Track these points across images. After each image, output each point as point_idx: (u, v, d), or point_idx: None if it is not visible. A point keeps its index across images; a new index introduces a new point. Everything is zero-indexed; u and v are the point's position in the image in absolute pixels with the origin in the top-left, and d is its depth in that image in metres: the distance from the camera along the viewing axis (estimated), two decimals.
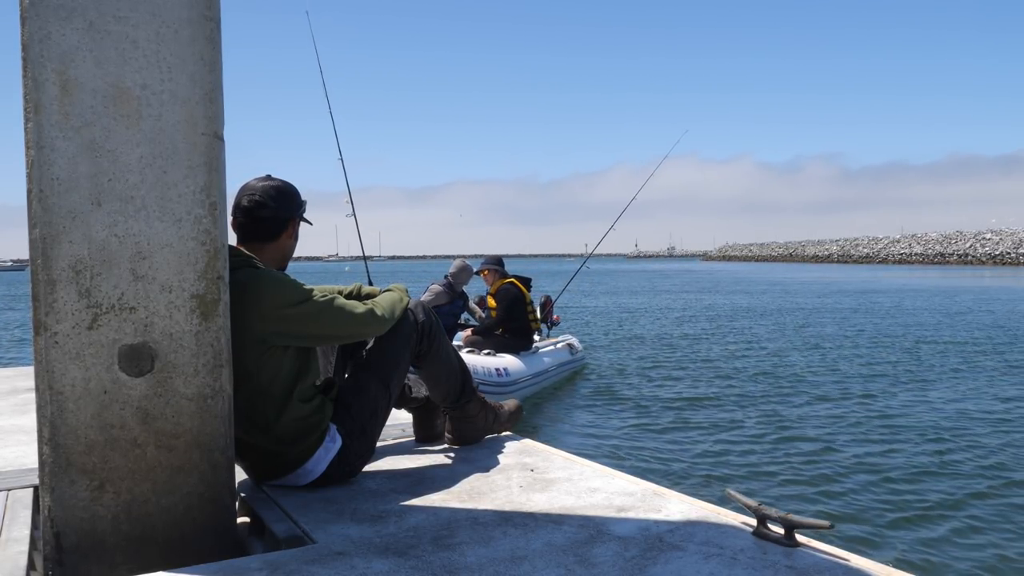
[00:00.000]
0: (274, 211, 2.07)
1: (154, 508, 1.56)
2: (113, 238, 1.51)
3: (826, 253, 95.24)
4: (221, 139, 1.61)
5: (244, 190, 2.09)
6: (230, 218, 2.05)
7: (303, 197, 2.19)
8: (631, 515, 1.78)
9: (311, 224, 2.26)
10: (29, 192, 1.46)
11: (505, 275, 8.17)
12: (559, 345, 9.21)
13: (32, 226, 1.46)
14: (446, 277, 8.35)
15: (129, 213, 1.52)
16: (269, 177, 2.12)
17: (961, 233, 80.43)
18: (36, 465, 1.80)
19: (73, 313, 1.49)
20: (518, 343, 8.05)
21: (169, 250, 1.55)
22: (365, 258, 9.24)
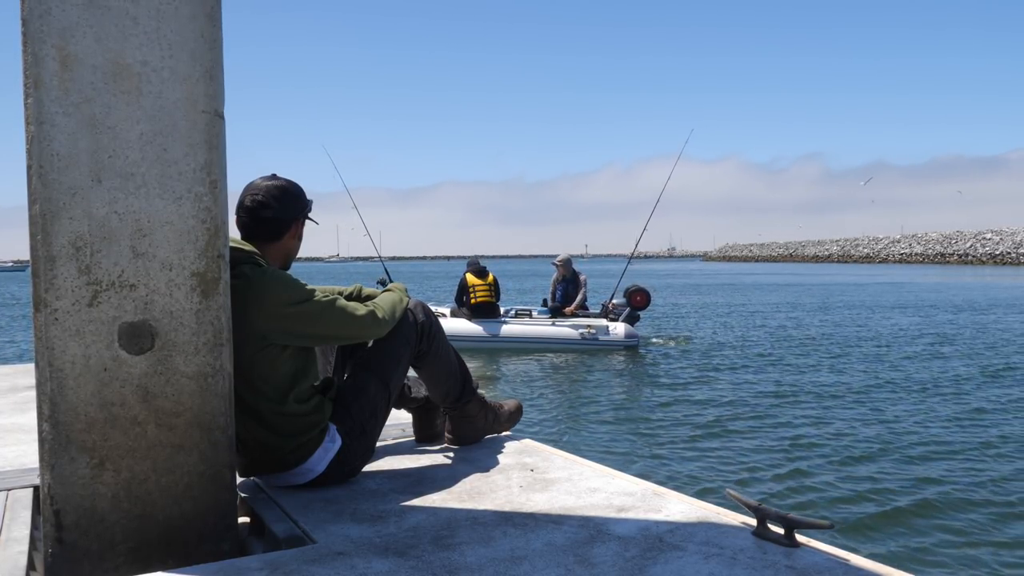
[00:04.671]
0: (277, 211, 2.05)
1: (154, 486, 1.55)
2: (113, 215, 1.50)
3: (826, 253, 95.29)
4: (221, 117, 1.61)
5: (248, 189, 2.07)
6: (233, 216, 2.04)
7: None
8: (631, 515, 1.78)
9: (317, 224, 2.25)
10: (29, 168, 1.45)
11: (473, 271, 11.57)
12: (566, 326, 11.32)
13: (32, 202, 1.46)
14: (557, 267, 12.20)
15: (129, 190, 1.51)
16: (274, 176, 2.10)
17: (961, 233, 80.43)
18: (36, 465, 1.80)
19: (73, 290, 1.48)
20: (476, 314, 11.41)
21: (169, 228, 1.55)
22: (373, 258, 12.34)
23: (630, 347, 11.32)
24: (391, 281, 11.08)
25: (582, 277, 12.07)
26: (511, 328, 11.43)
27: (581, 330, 11.24)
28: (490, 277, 11.63)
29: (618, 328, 11.27)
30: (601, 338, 11.21)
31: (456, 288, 11.86)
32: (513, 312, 12.00)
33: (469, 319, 11.44)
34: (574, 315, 11.76)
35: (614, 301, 11.83)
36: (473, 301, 11.42)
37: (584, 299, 11.99)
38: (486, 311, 11.47)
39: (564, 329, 11.35)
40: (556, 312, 11.82)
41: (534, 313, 11.99)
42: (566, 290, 11.95)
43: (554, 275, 12.17)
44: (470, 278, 11.53)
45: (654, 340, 13.09)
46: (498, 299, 11.69)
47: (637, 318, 11.66)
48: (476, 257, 11.87)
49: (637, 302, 11.45)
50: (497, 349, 11.39)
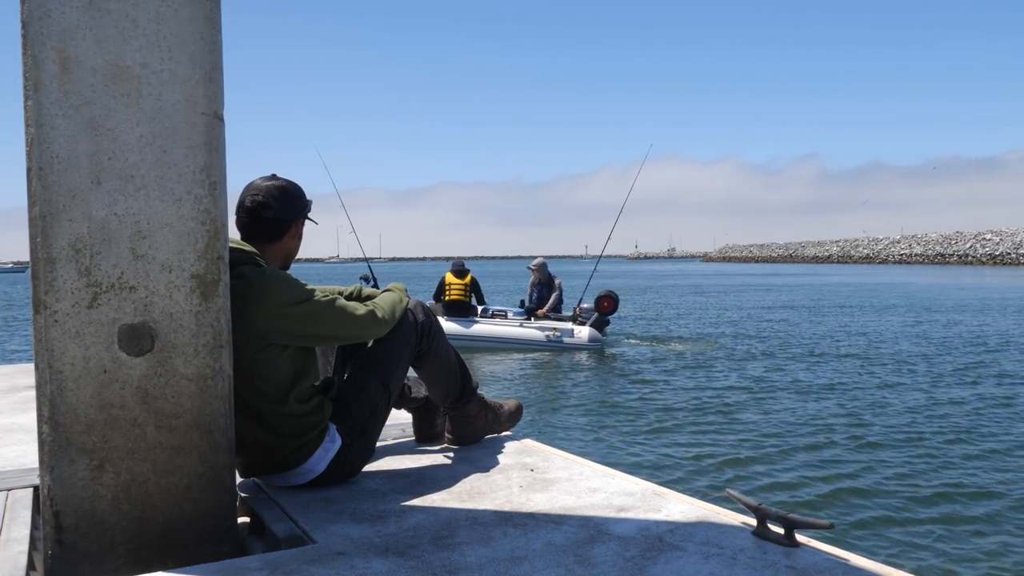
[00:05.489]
0: (277, 212, 2.05)
1: (154, 488, 1.56)
2: (113, 217, 1.50)
3: (826, 254, 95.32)
4: (221, 119, 1.61)
5: (248, 189, 2.07)
6: (233, 217, 2.04)
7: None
8: (631, 515, 1.78)
9: (316, 224, 2.25)
10: (29, 170, 1.45)
11: (453, 270, 12.29)
12: (533, 327, 11.97)
13: (32, 204, 1.46)
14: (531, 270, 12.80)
15: (129, 192, 1.51)
16: (274, 177, 2.10)
17: (961, 233, 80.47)
18: (36, 465, 1.79)
19: (73, 292, 1.48)
20: (449, 311, 12.08)
21: (169, 230, 1.55)
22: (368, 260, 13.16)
23: (594, 350, 11.73)
24: (374, 279, 11.88)
25: (557, 281, 12.76)
26: (481, 327, 12.07)
27: (547, 332, 11.83)
28: (468, 278, 12.27)
29: (582, 332, 11.74)
30: (566, 340, 11.76)
31: (436, 285, 12.70)
32: (490, 312, 12.55)
33: (442, 316, 11.97)
34: (546, 317, 12.31)
35: (583, 305, 12.29)
36: (447, 298, 12.12)
37: (557, 302, 12.55)
38: (458, 309, 12.14)
39: (531, 330, 11.96)
40: (530, 313, 12.48)
41: (509, 314, 12.60)
42: (541, 293, 12.61)
43: (531, 278, 12.83)
44: (448, 276, 12.31)
45: (632, 341, 13.27)
46: (475, 300, 12.36)
47: (606, 322, 12.13)
48: (461, 259, 12.64)
49: (604, 308, 11.83)
50: (467, 347, 11.78)
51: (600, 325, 11.88)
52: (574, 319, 12.06)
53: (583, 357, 11.34)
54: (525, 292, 13.15)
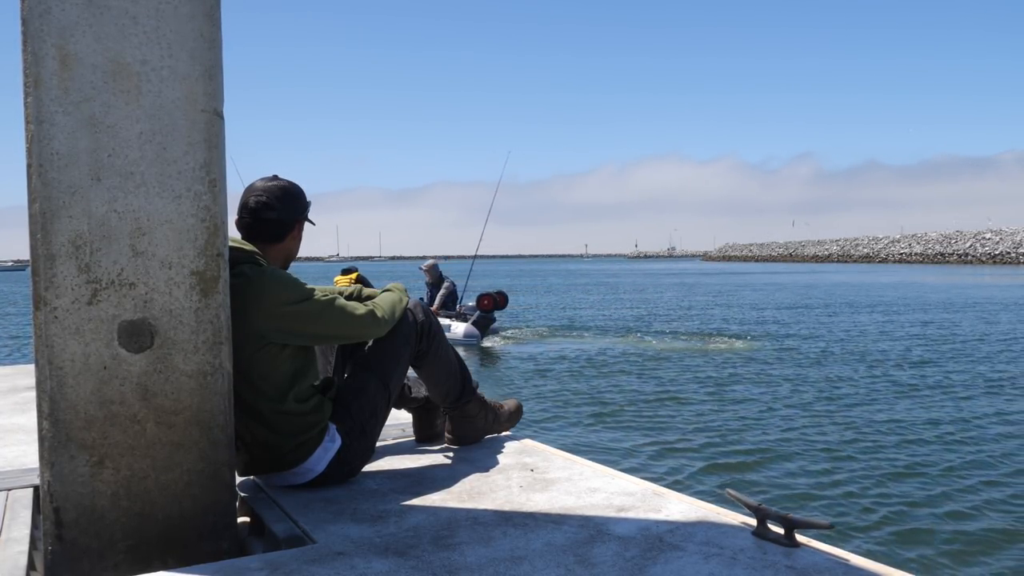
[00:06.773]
0: (280, 212, 2.05)
1: (153, 484, 1.56)
2: (113, 213, 1.50)
3: (826, 253, 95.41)
4: (221, 116, 1.61)
5: (250, 191, 2.08)
6: (235, 217, 2.05)
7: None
8: (631, 515, 1.78)
9: (315, 224, 2.26)
10: (29, 167, 1.45)
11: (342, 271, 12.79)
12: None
13: (32, 201, 1.46)
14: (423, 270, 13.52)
15: (129, 189, 1.51)
16: (276, 178, 2.11)
17: (961, 233, 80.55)
18: (36, 465, 1.80)
19: (73, 288, 1.48)
20: None
21: (169, 226, 1.55)
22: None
23: (468, 345, 12.63)
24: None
25: (446, 282, 13.53)
26: None
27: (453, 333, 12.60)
28: (354, 275, 13.08)
29: (459, 328, 12.66)
30: (460, 337, 12.67)
31: None
32: None
33: None
34: (436, 314, 12.92)
35: (468, 304, 13.40)
36: None
37: (444, 301, 13.38)
38: None
39: None
40: None
41: None
42: (432, 293, 13.48)
43: (425, 279, 13.67)
44: (337, 277, 13.47)
45: (631, 341, 13.27)
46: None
47: (491, 319, 13.05)
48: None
49: (484, 305, 12.75)
50: None
51: (483, 322, 12.82)
52: (456, 316, 12.93)
53: (626, 357, 11.41)
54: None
